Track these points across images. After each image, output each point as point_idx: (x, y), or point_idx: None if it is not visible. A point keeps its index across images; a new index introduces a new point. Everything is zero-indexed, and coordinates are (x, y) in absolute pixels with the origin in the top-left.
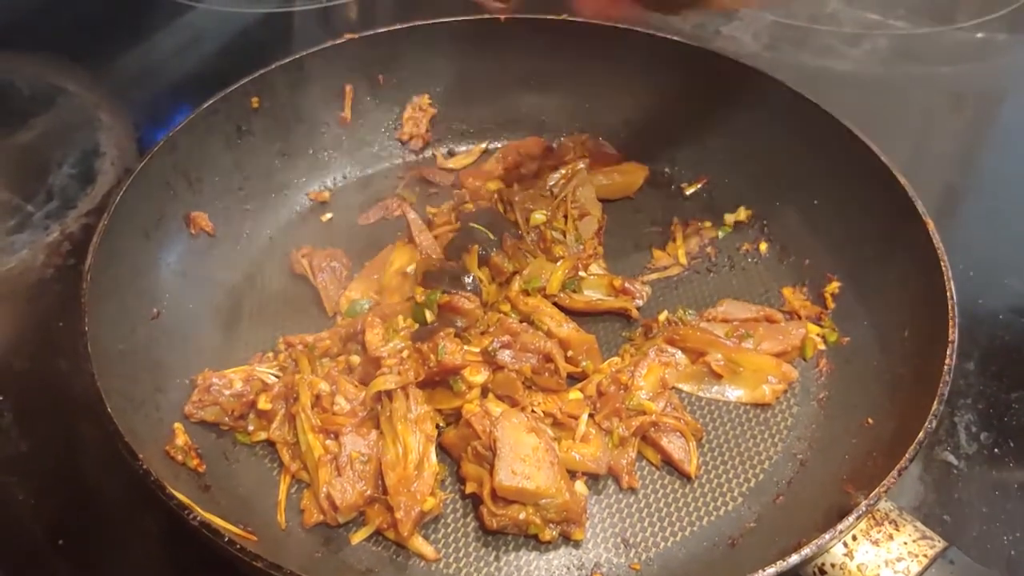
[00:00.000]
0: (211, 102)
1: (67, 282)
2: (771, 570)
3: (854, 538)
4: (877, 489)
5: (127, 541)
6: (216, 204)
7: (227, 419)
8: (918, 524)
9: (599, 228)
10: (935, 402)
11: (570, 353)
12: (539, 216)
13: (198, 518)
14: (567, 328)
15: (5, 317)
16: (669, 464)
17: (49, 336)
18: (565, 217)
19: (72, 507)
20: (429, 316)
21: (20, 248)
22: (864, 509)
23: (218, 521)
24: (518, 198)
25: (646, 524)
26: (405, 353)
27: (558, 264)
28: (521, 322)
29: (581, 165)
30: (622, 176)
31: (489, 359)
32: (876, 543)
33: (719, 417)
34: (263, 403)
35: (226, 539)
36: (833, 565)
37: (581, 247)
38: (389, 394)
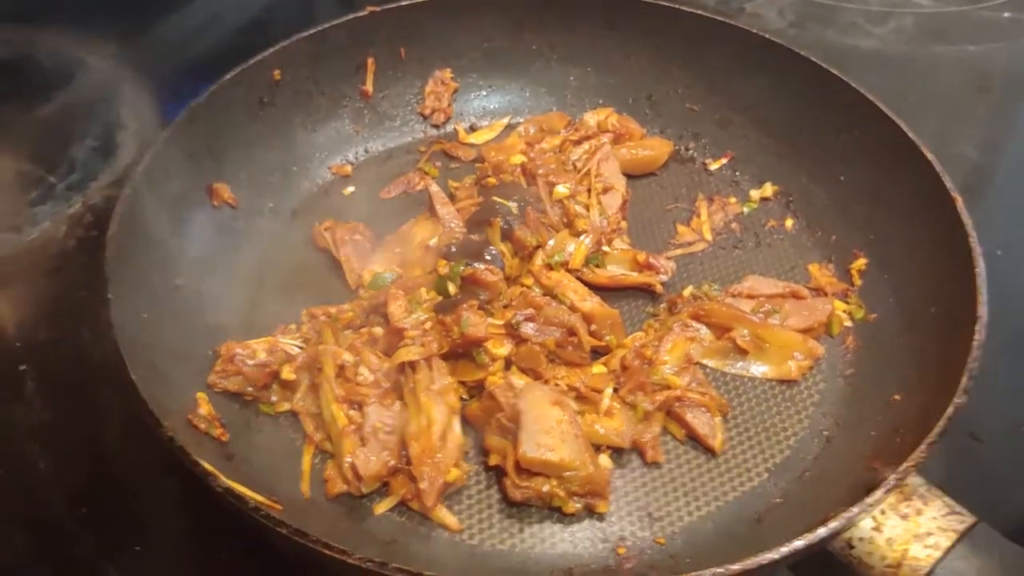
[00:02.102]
0: (233, 73)
1: (89, 253)
2: (800, 543)
3: (883, 512)
4: (906, 463)
5: (149, 510)
6: (239, 176)
7: (250, 389)
8: (947, 499)
9: (623, 203)
10: (964, 377)
11: (593, 327)
12: (563, 190)
13: (222, 485)
14: (591, 302)
15: (28, 288)
16: (694, 439)
17: (72, 306)
18: (589, 191)
19: (95, 475)
20: (452, 288)
21: (43, 219)
22: (893, 483)
23: (242, 489)
24: (541, 171)
25: (671, 499)
26: (428, 325)
27: (582, 238)
28: (544, 296)
29: (605, 139)
30: (646, 151)
31: (512, 332)
32: (905, 517)
33: (744, 393)
34: (287, 373)
35: (251, 506)
36: (861, 539)
37: (605, 221)
38: (412, 365)
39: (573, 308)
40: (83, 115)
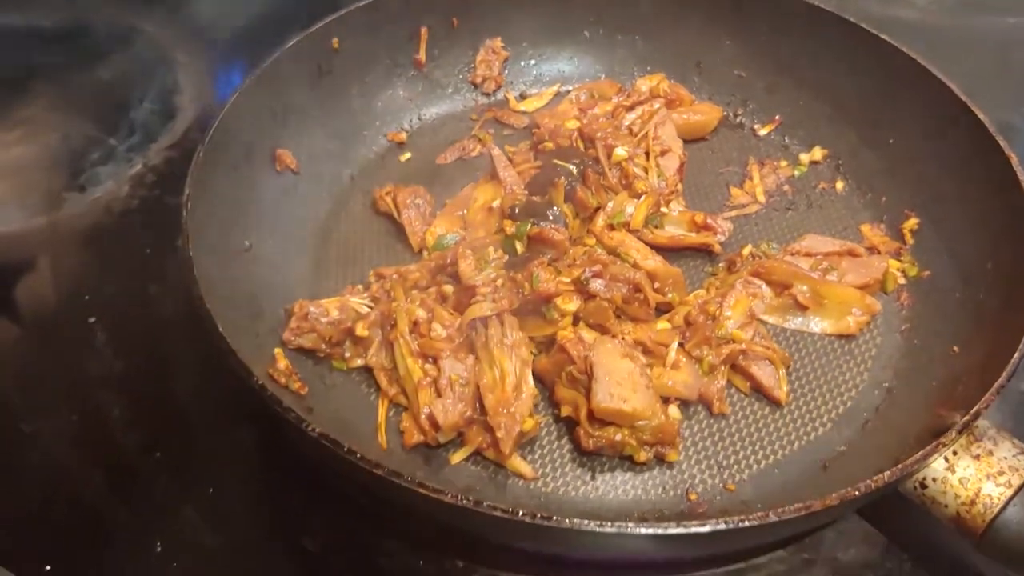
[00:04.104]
0: (295, 41)
1: (153, 212)
2: (883, 478)
3: (955, 453)
4: (978, 405)
5: (221, 455)
6: (300, 142)
7: (324, 346)
8: (1016, 440)
9: (681, 165)
10: None
11: (657, 285)
12: (622, 152)
13: (316, 430)
14: (653, 261)
15: (94, 244)
16: (758, 391)
17: (138, 262)
18: (647, 154)
19: (167, 423)
20: (519, 247)
21: (105, 179)
22: (965, 424)
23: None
24: (600, 135)
25: (738, 448)
26: (499, 282)
27: (641, 199)
28: (608, 255)
29: (658, 104)
30: (697, 116)
31: (581, 288)
32: (977, 458)
33: (804, 348)
34: (360, 330)
35: (346, 448)
36: (935, 479)
37: (663, 183)
38: (484, 321)
39: (636, 266)
40: (141, 80)
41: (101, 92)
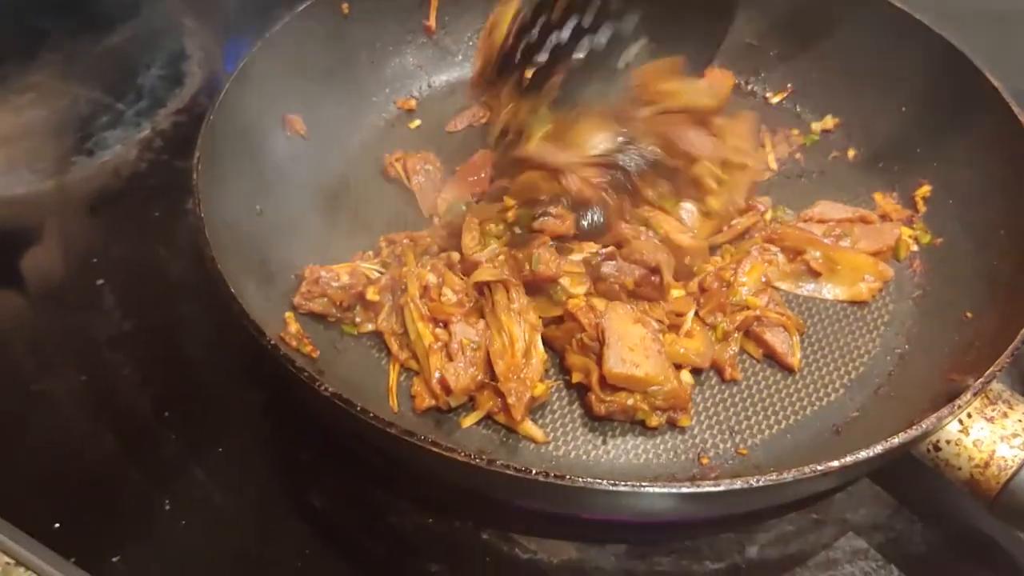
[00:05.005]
0: (305, 5)
1: (160, 176)
2: (896, 440)
3: (969, 416)
4: (992, 367)
5: (230, 414)
6: (310, 107)
7: (335, 310)
8: None
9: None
10: None
11: (687, 260)
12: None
13: (329, 389)
14: (686, 236)
15: (103, 207)
16: (772, 357)
17: (146, 226)
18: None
19: (176, 383)
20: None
21: (113, 144)
22: (980, 386)
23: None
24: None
25: (750, 414)
26: (501, 258)
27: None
28: (638, 227)
29: None
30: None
31: (592, 270)
32: (991, 420)
33: (817, 314)
34: (372, 294)
35: (358, 408)
36: (948, 441)
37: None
38: (491, 287)
39: (667, 239)
40: (148, 46)
41: (109, 58)
